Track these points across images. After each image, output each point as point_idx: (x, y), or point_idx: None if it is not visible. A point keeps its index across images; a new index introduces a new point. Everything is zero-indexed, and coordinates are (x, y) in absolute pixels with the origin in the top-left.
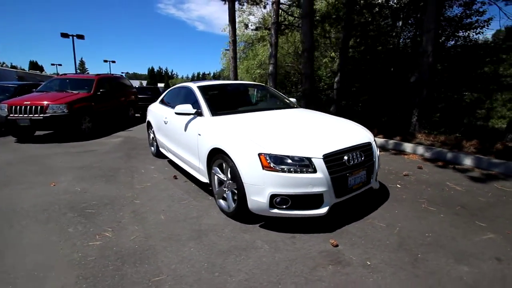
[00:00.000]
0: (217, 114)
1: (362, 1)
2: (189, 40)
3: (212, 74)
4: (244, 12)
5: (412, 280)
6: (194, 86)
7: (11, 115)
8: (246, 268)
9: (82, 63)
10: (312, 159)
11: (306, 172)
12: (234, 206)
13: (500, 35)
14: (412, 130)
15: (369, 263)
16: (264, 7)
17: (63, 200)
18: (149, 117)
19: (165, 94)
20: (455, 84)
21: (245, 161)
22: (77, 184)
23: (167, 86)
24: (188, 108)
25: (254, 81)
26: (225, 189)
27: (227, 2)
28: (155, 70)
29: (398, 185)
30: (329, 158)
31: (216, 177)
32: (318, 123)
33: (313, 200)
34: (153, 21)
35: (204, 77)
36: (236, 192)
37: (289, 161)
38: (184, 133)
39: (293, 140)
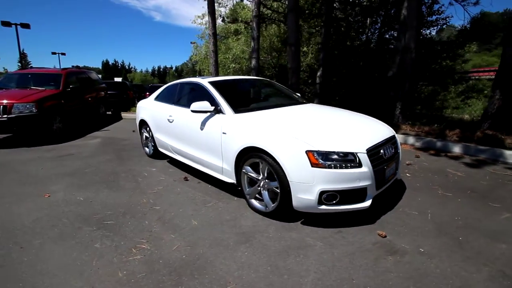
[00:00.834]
0: (240, 111)
1: None
2: (146, 32)
3: (174, 68)
4: (219, 5)
5: (467, 261)
6: (205, 82)
7: None
8: (312, 267)
9: (23, 55)
10: (358, 154)
11: (353, 167)
12: (273, 205)
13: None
14: (396, 121)
15: (422, 250)
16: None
17: (69, 212)
18: (142, 115)
19: (162, 91)
20: (417, 78)
21: (292, 159)
22: (77, 193)
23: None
24: (205, 105)
25: (228, 75)
26: (259, 188)
27: None
28: (110, 63)
29: (407, 174)
30: (371, 152)
31: (246, 177)
32: (343, 118)
33: (359, 194)
34: (106, 10)
35: (165, 71)
36: (278, 190)
37: (336, 156)
38: (200, 132)
39: (333, 136)
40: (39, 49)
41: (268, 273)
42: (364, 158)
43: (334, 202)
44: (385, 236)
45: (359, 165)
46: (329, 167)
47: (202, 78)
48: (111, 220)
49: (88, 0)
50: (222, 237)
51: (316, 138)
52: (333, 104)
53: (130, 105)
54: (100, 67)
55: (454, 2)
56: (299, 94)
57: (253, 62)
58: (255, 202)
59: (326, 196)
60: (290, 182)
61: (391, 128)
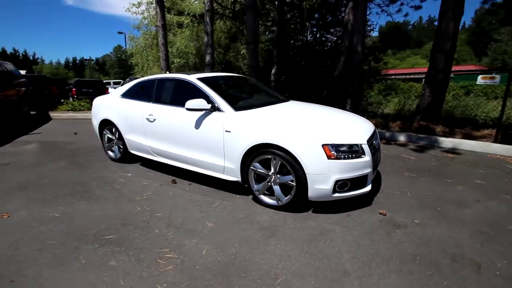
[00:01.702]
0: (239, 109)
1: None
2: (55, 17)
3: (94, 60)
4: None
5: (451, 225)
6: (193, 78)
7: None
8: (342, 248)
9: None
10: (362, 145)
11: (358, 157)
12: (287, 198)
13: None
14: None
15: (417, 221)
16: None
17: (50, 232)
18: (105, 115)
19: (132, 88)
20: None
21: (309, 153)
22: (46, 209)
23: (30, 73)
24: (202, 103)
25: (171, 71)
26: (269, 184)
27: None
28: (8, 52)
29: None
30: (369, 143)
31: (253, 174)
32: (332, 114)
33: (362, 180)
34: None
35: (83, 63)
36: (293, 184)
37: (345, 148)
38: (195, 131)
39: (339, 130)
40: None
41: (308, 260)
42: (366, 148)
43: (345, 189)
44: (386, 214)
45: (363, 154)
46: (341, 158)
47: (188, 75)
48: (112, 234)
49: None
50: (246, 234)
51: (327, 132)
52: None
53: (57, 103)
54: None
55: (380, 12)
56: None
57: (208, 57)
58: (265, 198)
59: (339, 185)
60: (307, 175)
61: (370, 122)
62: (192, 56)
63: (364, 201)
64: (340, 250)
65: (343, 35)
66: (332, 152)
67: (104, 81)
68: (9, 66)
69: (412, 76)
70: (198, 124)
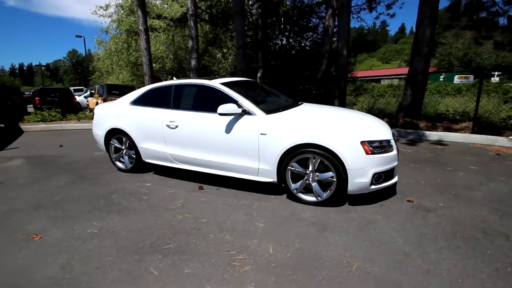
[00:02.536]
0: (269, 112)
1: (272, 6)
2: None
3: (45, 65)
4: None
5: (471, 205)
6: (216, 83)
7: None
8: (393, 234)
9: None
10: (390, 140)
11: (389, 151)
12: (327, 194)
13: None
14: None
15: (441, 205)
16: None
17: (102, 248)
18: (114, 124)
19: (144, 94)
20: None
21: (349, 150)
22: (79, 226)
23: None
24: (233, 107)
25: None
26: (308, 181)
27: None
28: None
29: None
30: (393, 138)
31: (289, 173)
32: (353, 114)
33: (391, 172)
34: None
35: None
36: (334, 179)
37: (378, 144)
38: (226, 136)
39: (368, 128)
40: None
41: (369, 247)
42: (393, 143)
43: (380, 181)
44: (413, 201)
45: (391, 149)
46: (376, 153)
47: (211, 80)
48: (168, 244)
49: None
50: (301, 230)
51: (360, 130)
52: None
53: (22, 114)
54: None
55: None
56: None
57: (193, 62)
58: (303, 195)
59: (375, 178)
60: (348, 170)
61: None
62: (169, 61)
63: (389, 191)
64: (392, 236)
65: (324, 40)
66: (369, 148)
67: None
68: None
69: (393, 77)
70: (229, 129)
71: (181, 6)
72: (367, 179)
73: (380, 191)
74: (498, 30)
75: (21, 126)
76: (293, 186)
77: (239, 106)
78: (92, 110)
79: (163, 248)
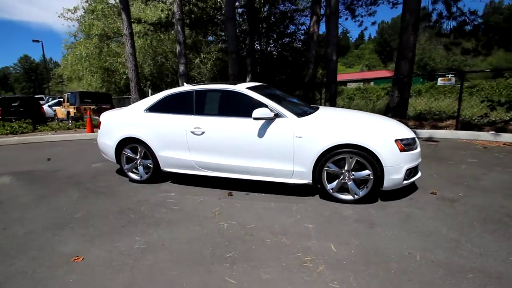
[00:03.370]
0: (300, 115)
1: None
2: None
3: None
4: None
5: (485, 192)
6: (242, 88)
7: None
8: (433, 223)
9: None
10: (416, 139)
11: (416, 149)
12: (363, 191)
13: None
14: None
15: (461, 195)
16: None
17: (161, 263)
18: (128, 132)
19: (161, 100)
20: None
21: (385, 148)
22: (121, 243)
23: None
24: (266, 112)
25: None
26: (343, 181)
27: None
28: None
29: None
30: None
31: (325, 174)
32: (374, 116)
33: (417, 168)
34: None
35: None
36: (371, 177)
37: (407, 142)
38: (260, 140)
39: (395, 128)
40: None
41: (420, 238)
42: (418, 141)
43: (410, 176)
44: (436, 193)
45: (416, 146)
46: (407, 150)
47: (231, 85)
48: (230, 252)
49: None
50: (350, 228)
51: (392, 130)
52: None
53: None
54: None
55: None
56: None
57: (182, 67)
58: (340, 194)
59: (407, 173)
60: (384, 168)
61: None
62: (147, 66)
63: (412, 186)
64: (435, 226)
65: (310, 46)
66: (402, 146)
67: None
68: None
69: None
70: (262, 133)
71: (161, 11)
72: (401, 175)
73: (407, 186)
74: (465, 37)
75: None
76: (329, 186)
77: (271, 110)
78: (62, 120)
79: (226, 257)
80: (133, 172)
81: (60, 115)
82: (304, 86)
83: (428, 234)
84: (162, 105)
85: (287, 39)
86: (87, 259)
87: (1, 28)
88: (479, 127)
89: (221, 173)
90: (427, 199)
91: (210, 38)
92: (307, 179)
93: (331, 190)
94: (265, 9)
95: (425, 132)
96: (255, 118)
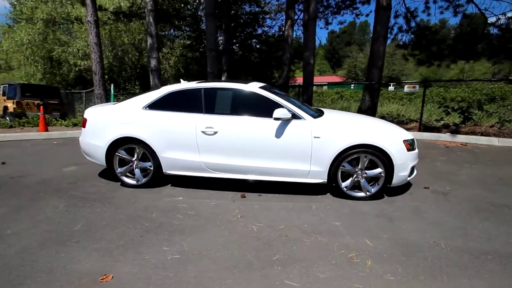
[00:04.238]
0: (314, 116)
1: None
2: None
3: None
4: None
5: (468, 185)
6: (255, 88)
7: None
8: (443, 213)
9: None
10: (414, 139)
11: (416, 149)
12: (375, 188)
13: None
14: None
15: (449, 188)
16: None
17: (210, 272)
18: (125, 132)
19: (165, 97)
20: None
21: (396, 147)
22: (150, 256)
23: None
24: (285, 112)
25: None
26: (357, 179)
27: None
28: None
29: None
30: None
31: (340, 173)
32: (376, 119)
33: (415, 166)
34: None
35: None
36: (382, 175)
37: (410, 142)
38: (277, 141)
39: (399, 130)
40: None
41: (435, 227)
42: (415, 142)
43: (412, 173)
44: (429, 188)
45: (416, 146)
46: (411, 149)
47: (243, 84)
48: (274, 255)
49: None
50: (374, 223)
51: (399, 131)
52: None
53: None
54: None
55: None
56: None
57: (153, 62)
58: (353, 192)
59: (411, 171)
60: (395, 166)
61: None
62: (105, 58)
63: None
64: (442, 216)
65: (285, 49)
66: (408, 145)
67: None
68: None
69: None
70: (279, 133)
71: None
72: (407, 172)
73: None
74: (421, 49)
75: None
76: (344, 184)
77: (289, 110)
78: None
79: (274, 260)
80: (127, 176)
81: None
82: (279, 88)
83: (441, 225)
84: (165, 102)
85: (255, 40)
86: (117, 277)
87: None
88: (438, 129)
89: (232, 175)
90: (424, 193)
91: (173, 31)
92: (323, 178)
93: (345, 188)
94: (233, 8)
95: None
96: (275, 118)
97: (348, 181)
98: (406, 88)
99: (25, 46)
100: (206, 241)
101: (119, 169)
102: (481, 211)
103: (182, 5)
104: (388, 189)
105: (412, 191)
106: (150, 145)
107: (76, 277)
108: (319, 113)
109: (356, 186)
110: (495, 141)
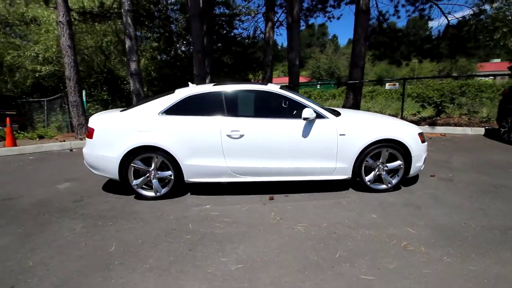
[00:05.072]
0: (336, 114)
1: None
2: None
3: None
4: None
5: (467, 171)
6: (276, 88)
7: None
8: (460, 197)
9: None
10: (423, 133)
11: (426, 141)
12: (395, 180)
13: None
14: None
15: (451, 175)
16: None
17: (283, 276)
18: (142, 140)
19: (184, 101)
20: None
21: (413, 140)
22: (216, 268)
23: None
24: (311, 112)
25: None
26: (378, 172)
27: None
28: None
29: None
30: None
31: (363, 167)
32: (384, 116)
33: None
34: None
35: None
36: (401, 167)
37: (423, 135)
38: (304, 140)
39: (410, 124)
40: None
41: (458, 211)
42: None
43: (424, 164)
44: (435, 176)
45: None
46: (423, 142)
47: (262, 85)
48: (335, 253)
49: None
50: (405, 212)
51: (412, 125)
52: None
53: None
54: None
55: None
56: None
57: (133, 65)
58: (376, 185)
59: (424, 161)
60: (412, 157)
61: None
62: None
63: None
64: (459, 200)
65: (266, 50)
66: (422, 138)
67: None
68: None
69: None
70: (306, 133)
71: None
72: (421, 162)
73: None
74: (393, 50)
75: None
76: (367, 178)
77: (314, 110)
78: None
79: (337, 258)
80: (143, 189)
81: None
82: None
83: (462, 208)
84: (183, 106)
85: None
86: None
87: None
88: (416, 123)
89: (259, 178)
90: (432, 181)
91: (138, 33)
92: (347, 174)
93: (368, 182)
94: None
95: None
96: (304, 118)
97: (371, 175)
98: (388, 86)
99: None
100: (260, 247)
101: (134, 181)
102: (488, 192)
103: (152, 6)
104: (403, 180)
105: (423, 180)
106: (172, 153)
107: None
108: (337, 112)
109: (376, 179)
110: (468, 130)
